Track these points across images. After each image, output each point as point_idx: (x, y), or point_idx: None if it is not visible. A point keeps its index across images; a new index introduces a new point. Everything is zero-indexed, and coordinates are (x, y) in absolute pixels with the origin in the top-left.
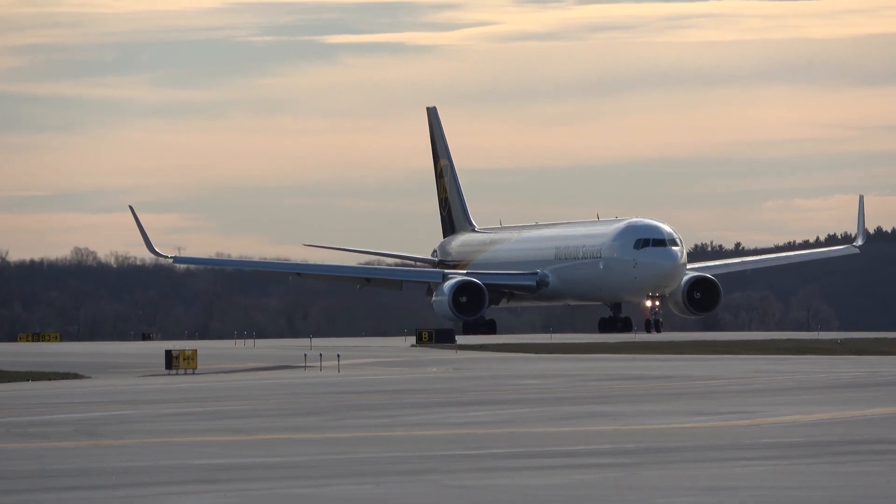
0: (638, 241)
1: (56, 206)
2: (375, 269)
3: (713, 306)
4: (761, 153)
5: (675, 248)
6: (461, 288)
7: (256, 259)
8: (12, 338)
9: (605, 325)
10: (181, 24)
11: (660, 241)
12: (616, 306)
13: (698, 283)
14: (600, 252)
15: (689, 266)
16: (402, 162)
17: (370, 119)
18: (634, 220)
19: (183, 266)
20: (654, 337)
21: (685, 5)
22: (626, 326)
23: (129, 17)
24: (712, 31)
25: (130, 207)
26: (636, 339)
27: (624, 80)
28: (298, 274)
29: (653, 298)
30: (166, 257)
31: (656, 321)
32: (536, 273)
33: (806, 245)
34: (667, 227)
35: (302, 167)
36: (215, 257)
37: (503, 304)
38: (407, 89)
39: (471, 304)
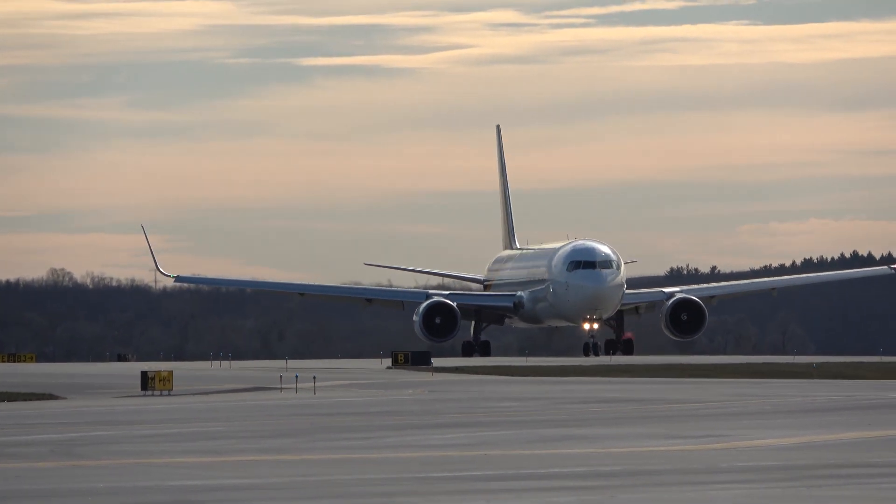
0: (571, 263)
1: (32, 226)
2: (373, 289)
3: (698, 328)
4: (736, 177)
5: (605, 270)
6: (433, 309)
7: (256, 279)
8: None
9: (609, 347)
10: (157, 46)
11: (590, 264)
12: (619, 327)
13: (683, 305)
14: (548, 274)
15: (692, 287)
16: (376, 183)
17: (345, 141)
18: (577, 242)
19: (159, 287)
20: (630, 360)
21: (660, 29)
22: (627, 348)
23: (106, 38)
24: (688, 55)
25: (142, 227)
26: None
27: (599, 104)
28: (302, 294)
29: (590, 321)
30: (170, 277)
31: (594, 345)
32: (514, 295)
33: (783, 269)
34: (604, 249)
35: (277, 189)
36: (217, 277)
37: (505, 324)
38: (381, 112)
39: (444, 326)
